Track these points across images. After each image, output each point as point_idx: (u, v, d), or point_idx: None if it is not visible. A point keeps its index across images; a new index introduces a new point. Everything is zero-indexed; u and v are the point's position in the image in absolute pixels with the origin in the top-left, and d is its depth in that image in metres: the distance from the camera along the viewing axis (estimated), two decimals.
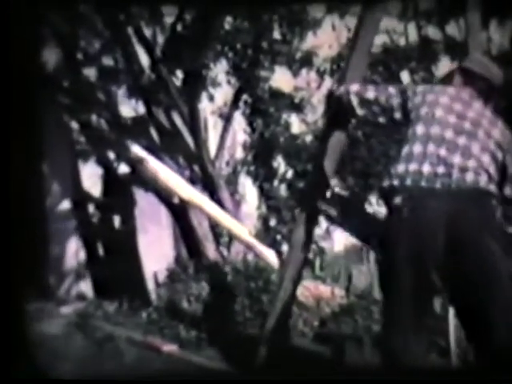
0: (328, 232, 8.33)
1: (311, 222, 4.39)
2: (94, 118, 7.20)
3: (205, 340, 5.47)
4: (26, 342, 3.97)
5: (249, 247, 5.96)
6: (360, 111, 3.68)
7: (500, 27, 7.75)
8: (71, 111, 7.00)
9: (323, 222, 8.21)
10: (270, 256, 5.83)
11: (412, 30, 7.92)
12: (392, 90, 3.60)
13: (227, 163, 8.57)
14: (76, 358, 5.23)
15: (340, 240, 8.55)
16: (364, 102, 3.65)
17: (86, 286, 7.10)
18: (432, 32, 7.98)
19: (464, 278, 3.18)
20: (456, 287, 3.21)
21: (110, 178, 7.64)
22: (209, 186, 7.38)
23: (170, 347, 5.41)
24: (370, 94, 3.63)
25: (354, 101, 3.69)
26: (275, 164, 8.32)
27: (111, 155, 7.36)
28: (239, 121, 8.36)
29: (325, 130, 4.51)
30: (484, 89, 3.56)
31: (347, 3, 7.41)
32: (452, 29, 7.78)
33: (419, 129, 3.39)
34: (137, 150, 5.56)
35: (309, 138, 8.36)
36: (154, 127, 7.44)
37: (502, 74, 3.67)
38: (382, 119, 3.62)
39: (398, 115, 3.54)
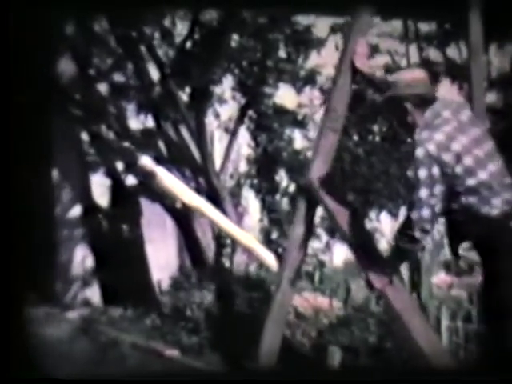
0: (328, 246, 8.47)
1: (311, 214, 4.47)
2: (103, 129, 7.41)
3: (206, 346, 5.63)
4: (26, 344, 4.07)
5: (250, 251, 6.14)
6: None
7: (500, 51, 7.92)
8: (82, 122, 7.21)
9: (323, 236, 8.39)
10: (271, 259, 5.98)
11: (413, 51, 8.08)
12: None
13: (231, 176, 8.71)
14: (81, 362, 5.38)
15: (339, 254, 8.67)
16: None
17: (91, 293, 7.27)
18: (433, 54, 8.15)
19: None
20: None
21: (117, 188, 7.81)
22: (213, 197, 7.53)
23: (171, 352, 5.58)
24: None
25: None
26: (278, 178, 8.47)
27: (119, 167, 7.55)
28: (244, 135, 8.50)
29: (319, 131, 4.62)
30: (420, 103, 3.74)
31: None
32: (452, 51, 7.97)
33: None
34: (146, 160, 5.76)
35: (311, 154, 8.48)
36: (162, 140, 7.64)
37: (427, 79, 3.82)
38: None
39: None
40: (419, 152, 3.61)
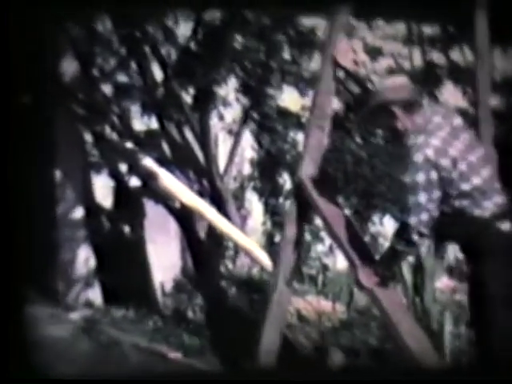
0: (331, 249, 8.45)
1: (304, 216, 4.48)
2: (107, 130, 7.41)
3: (208, 348, 5.62)
4: (25, 344, 4.07)
5: (247, 252, 6.16)
6: None
7: (503, 54, 7.92)
8: (86, 122, 7.22)
9: (326, 239, 8.37)
10: (266, 260, 6.00)
11: (417, 54, 8.08)
12: None
13: (235, 178, 8.70)
14: (83, 362, 5.38)
15: (343, 257, 8.64)
16: None
17: (93, 293, 7.27)
18: (436, 57, 8.15)
19: None
20: None
21: (121, 190, 7.81)
22: (216, 200, 7.53)
23: (174, 355, 5.57)
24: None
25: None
26: (281, 181, 8.45)
27: (123, 168, 7.55)
28: (247, 137, 8.50)
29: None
30: (406, 108, 3.76)
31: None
32: (456, 54, 7.97)
33: None
34: (148, 161, 5.78)
35: None
36: (166, 141, 7.64)
37: (410, 85, 3.84)
38: None
39: None
40: (418, 157, 3.63)
